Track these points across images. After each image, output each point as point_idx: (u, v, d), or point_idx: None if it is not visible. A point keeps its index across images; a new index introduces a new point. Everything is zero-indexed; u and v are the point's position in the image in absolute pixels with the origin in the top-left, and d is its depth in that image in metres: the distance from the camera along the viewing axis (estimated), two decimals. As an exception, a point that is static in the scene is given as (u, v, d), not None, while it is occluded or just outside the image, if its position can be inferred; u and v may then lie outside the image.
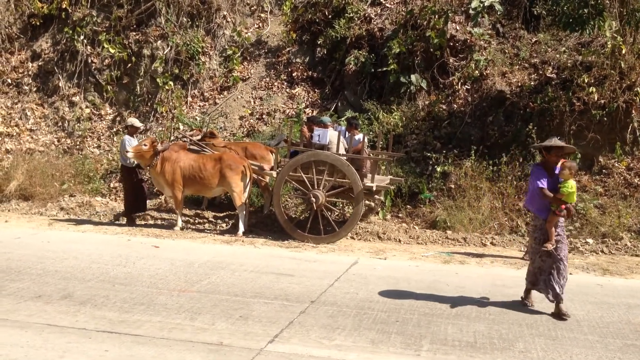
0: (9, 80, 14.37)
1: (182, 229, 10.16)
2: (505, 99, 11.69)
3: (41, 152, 13.10)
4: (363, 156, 9.73)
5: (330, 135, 9.72)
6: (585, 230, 10.06)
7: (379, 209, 10.87)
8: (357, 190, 9.37)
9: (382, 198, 10.46)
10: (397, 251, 9.32)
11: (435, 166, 11.13)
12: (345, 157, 9.52)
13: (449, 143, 11.67)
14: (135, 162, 10.23)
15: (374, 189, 9.52)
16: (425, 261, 8.72)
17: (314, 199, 9.42)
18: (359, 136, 10.01)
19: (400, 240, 9.94)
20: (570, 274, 8.24)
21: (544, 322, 6.06)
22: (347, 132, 10.05)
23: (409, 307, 6.36)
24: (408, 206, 11.00)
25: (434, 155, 11.25)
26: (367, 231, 10.17)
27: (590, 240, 9.82)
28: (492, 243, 9.84)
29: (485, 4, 11.55)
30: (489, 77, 12.07)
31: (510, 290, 7.14)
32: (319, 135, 9.70)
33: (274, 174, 9.91)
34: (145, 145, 10.04)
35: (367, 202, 10.07)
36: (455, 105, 12.05)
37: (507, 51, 12.50)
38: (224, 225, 10.69)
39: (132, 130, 10.51)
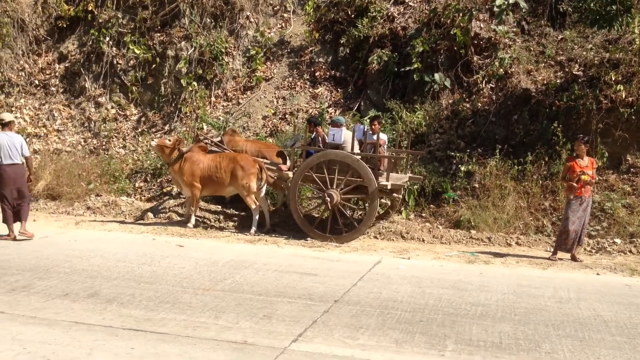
0: (37, 82, 14.62)
1: (194, 226, 10.30)
2: (531, 97, 11.55)
3: (68, 153, 13.30)
4: (376, 154, 9.71)
5: (345, 135, 9.75)
6: (612, 230, 9.90)
7: (402, 208, 10.82)
8: (372, 188, 9.38)
9: (399, 196, 10.37)
10: (421, 251, 9.27)
11: (459, 165, 11.04)
12: (359, 156, 9.53)
13: (473, 142, 11.57)
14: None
15: (389, 187, 9.49)
16: (449, 261, 8.66)
17: (328, 199, 9.47)
18: (381, 135, 10.01)
19: (423, 240, 9.89)
20: (598, 274, 8.16)
21: (570, 323, 5.98)
22: (364, 130, 9.99)
23: (433, 307, 6.32)
24: (431, 206, 10.93)
25: (457, 154, 11.16)
26: (391, 231, 10.14)
27: (618, 240, 9.66)
28: (517, 243, 9.73)
29: (510, 1, 11.38)
30: (513, 75, 11.94)
31: (536, 291, 7.06)
32: (333, 135, 9.77)
33: (291, 174, 9.99)
34: (169, 141, 10.36)
35: (382, 200, 10.07)
36: (479, 104, 11.94)
37: (532, 49, 12.36)
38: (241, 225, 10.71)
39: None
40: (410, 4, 13.57)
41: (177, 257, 8.27)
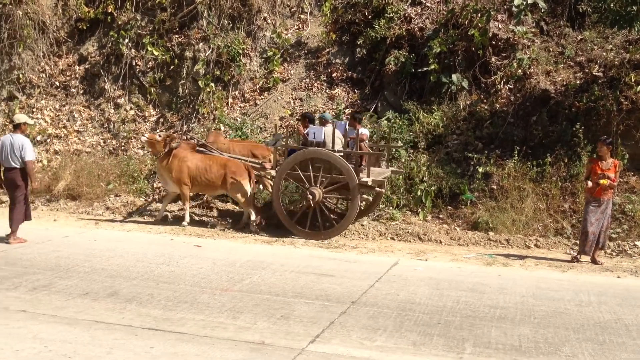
0: (57, 83, 14.79)
1: (188, 224, 10.49)
2: (550, 98, 11.45)
3: (88, 153, 13.44)
4: (355, 151, 9.72)
5: (326, 132, 9.81)
6: (633, 233, 9.77)
7: (419, 209, 10.78)
8: (353, 184, 9.45)
9: (383, 190, 10.26)
10: (438, 252, 9.23)
11: (477, 167, 10.97)
12: (339, 153, 9.63)
13: (491, 143, 11.50)
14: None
15: (369, 183, 9.50)
16: (467, 263, 8.61)
17: (310, 196, 9.54)
18: (362, 130, 10.09)
19: (441, 242, 9.85)
20: (618, 277, 8.07)
21: (591, 326, 5.92)
22: (346, 126, 10.08)
23: (451, 309, 6.29)
24: (449, 207, 10.87)
25: (475, 155, 11.09)
26: (408, 232, 10.11)
27: (639, 243, 9.53)
28: (536, 245, 9.65)
29: (529, 1, 11.32)
30: (532, 76, 11.85)
31: (555, 294, 7.00)
32: (314, 133, 9.86)
33: (273, 172, 10.11)
34: (159, 136, 10.68)
35: (364, 196, 10.28)
36: (497, 105, 11.86)
37: (551, 49, 12.26)
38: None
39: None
40: (428, 4, 13.53)
41: (195, 257, 8.32)
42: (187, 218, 10.51)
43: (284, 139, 10.19)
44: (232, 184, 10.19)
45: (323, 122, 10.13)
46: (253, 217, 10.28)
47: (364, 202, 10.54)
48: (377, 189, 9.86)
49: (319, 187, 9.66)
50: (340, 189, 9.81)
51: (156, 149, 10.59)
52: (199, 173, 10.34)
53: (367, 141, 10.28)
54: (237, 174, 10.22)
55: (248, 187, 10.23)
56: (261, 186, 11.24)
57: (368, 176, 9.49)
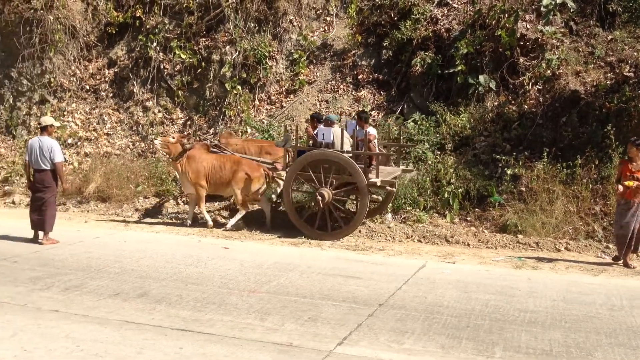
0: (87, 87, 15.05)
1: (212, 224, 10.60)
2: (580, 99, 11.28)
3: (117, 156, 13.64)
4: (364, 152, 9.73)
5: (334, 133, 9.84)
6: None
7: (447, 211, 10.69)
8: (362, 185, 9.48)
9: (394, 189, 10.27)
10: (466, 255, 9.16)
11: (505, 169, 10.84)
12: (348, 154, 9.68)
13: (519, 145, 11.37)
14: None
15: (378, 183, 9.51)
16: (495, 266, 8.53)
17: (319, 197, 9.58)
18: (370, 130, 10.09)
19: (469, 244, 9.76)
20: (652, 281, 7.91)
21: (623, 331, 5.81)
22: (356, 126, 10.12)
23: (479, 313, 6.24)
24: (477, 209, 10.77)
25: (503, 157, 10.97)
26: (435, 234, 10.04)
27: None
28: (566, 248, 9.50)
29: (557, 1, 11.16)
30: (561, 76, 11.68)
31: (587, 298, 6.89)
32: (323, 134, 9.90)
33: (284, 173, 10.19)
34: (172, 138, 10.69)
35: (374, 196, 10.37)
36: (525, 106, 11.72)
37: (581, 50, 12.07)
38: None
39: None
40: (454, 5, 13.44)
41: (222, 258, 8.39)
42: (209, 219, 10.60)
43: (294, 140, 10.25)
44: (241, 178, 10.29)
45: (329, 123, 10.13)
46: (240, 215, 10.41)
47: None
48: (387, 188, 9.92)
49: (329, 188, 9.69)
50: (349, 189, 9.90)
51: (170, 152, 10.63)
52: (214, 172, 10.47)
53: (375, 141, 10.26)
54: (250, 170, 10.37)
55: (257, 186, 10.39)
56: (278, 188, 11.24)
57: (377, 176, 9.53)
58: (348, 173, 9.59)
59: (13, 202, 12.76)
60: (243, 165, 10.45)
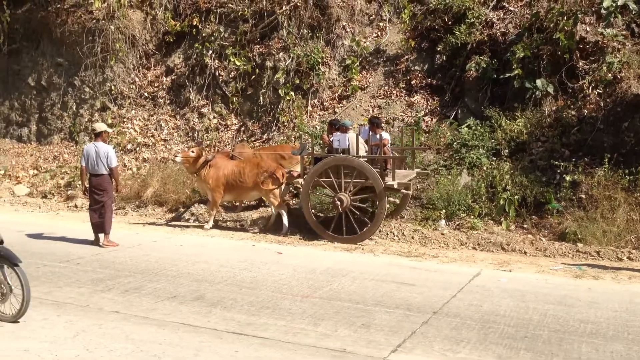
0: (146, 94, 15.51)
1: (211, 228, 10.85)
2: (643, 103, 10.87)
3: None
4: (378, 156, 9.88)
5: (350, 139, 9.98)
6: None
7: (502, 219, 10.47)
8: (379, 188, 9.58)
9: (410, 192, 10.44)
10: (523, 263, 8.94)
11: (564, 175, 10.54)
12: (364, 159, 9.87)
13: (578, 151, 11.03)
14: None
15: (395, 186, 9.63)
16: (554, 275, 8.29)
17: (338, 202, 9.72)
18: (383, 134, 10.24)
19: (525, 252, 9.53)
20: None
21: (692, 346, 5.55)
22: (369, 132, 10.35)
23: (537, 323, 6.08)
24: (534, 217, 10.49)
25: (562, 163, 10.67)
26: (490, 242, 9.85)
27: None
28: (629, 258, 9.14)
29: (618, 3, 10.79)
30: (623, 80, 11.28)
31: (651, 310, 6.62)
32: (339, 141, 10.06)
33: (301, 180, 10.34)
34: (192, 152, 10.88)
35: (391, 199, 10.47)
36: (585, 111, 11.37)
37: (644, 52, 11.63)
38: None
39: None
40: (511, 8, 13.18)
41: (275, 263, 8.48)
42: (211, 223, 10.92)
43: (310, 148, 10.42)
44: (266, 181, 10.50)
45: (344, 129, 10.27)
46: (285, 218, 10.58)
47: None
48: (403, 190, 10.04)
49: (347, 193, 9.80)
50: (368, 193, 10.07)
51: (192, 165, 10.80)
52: (235, 177, 10.70)
53: (389, 145, 10.41)
54: (271, 168, 10.60)
55: (274, 187, 10.59)
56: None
57: (394, 179, 9.65)
58: (365, 177, 9.71)
59: (75, 206, 13.26)
60: (262, 167, 10.68)
